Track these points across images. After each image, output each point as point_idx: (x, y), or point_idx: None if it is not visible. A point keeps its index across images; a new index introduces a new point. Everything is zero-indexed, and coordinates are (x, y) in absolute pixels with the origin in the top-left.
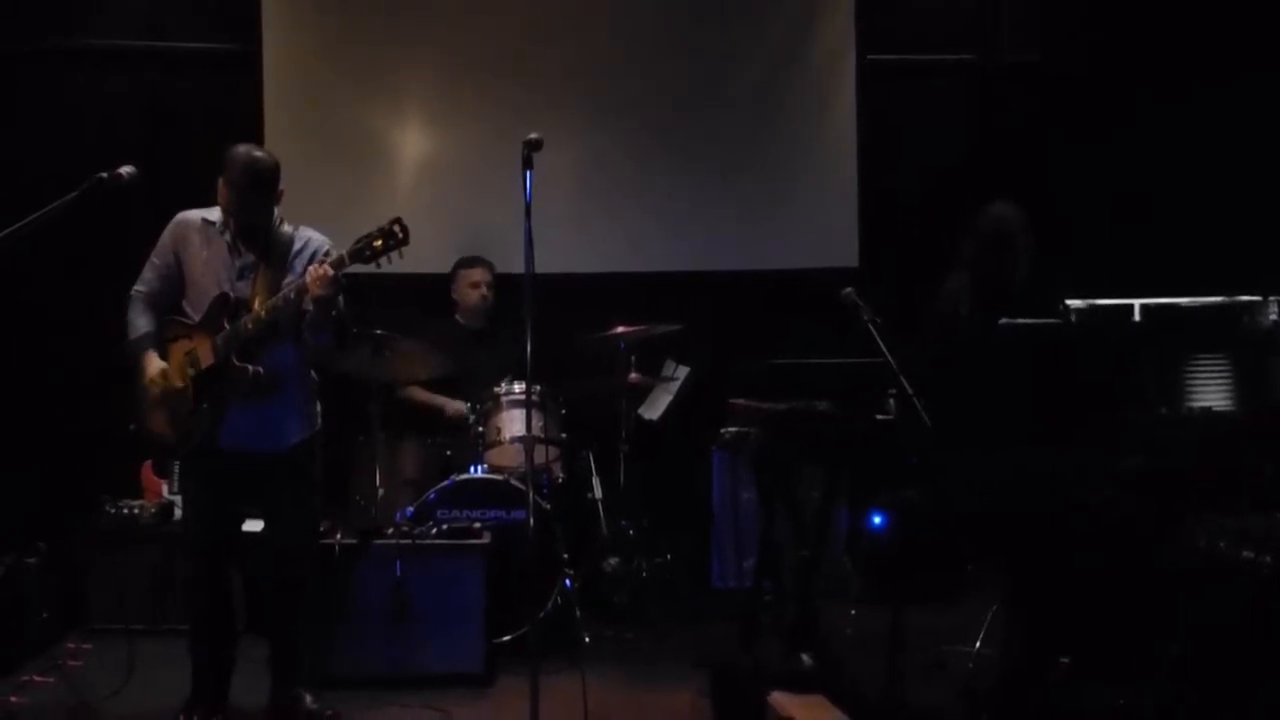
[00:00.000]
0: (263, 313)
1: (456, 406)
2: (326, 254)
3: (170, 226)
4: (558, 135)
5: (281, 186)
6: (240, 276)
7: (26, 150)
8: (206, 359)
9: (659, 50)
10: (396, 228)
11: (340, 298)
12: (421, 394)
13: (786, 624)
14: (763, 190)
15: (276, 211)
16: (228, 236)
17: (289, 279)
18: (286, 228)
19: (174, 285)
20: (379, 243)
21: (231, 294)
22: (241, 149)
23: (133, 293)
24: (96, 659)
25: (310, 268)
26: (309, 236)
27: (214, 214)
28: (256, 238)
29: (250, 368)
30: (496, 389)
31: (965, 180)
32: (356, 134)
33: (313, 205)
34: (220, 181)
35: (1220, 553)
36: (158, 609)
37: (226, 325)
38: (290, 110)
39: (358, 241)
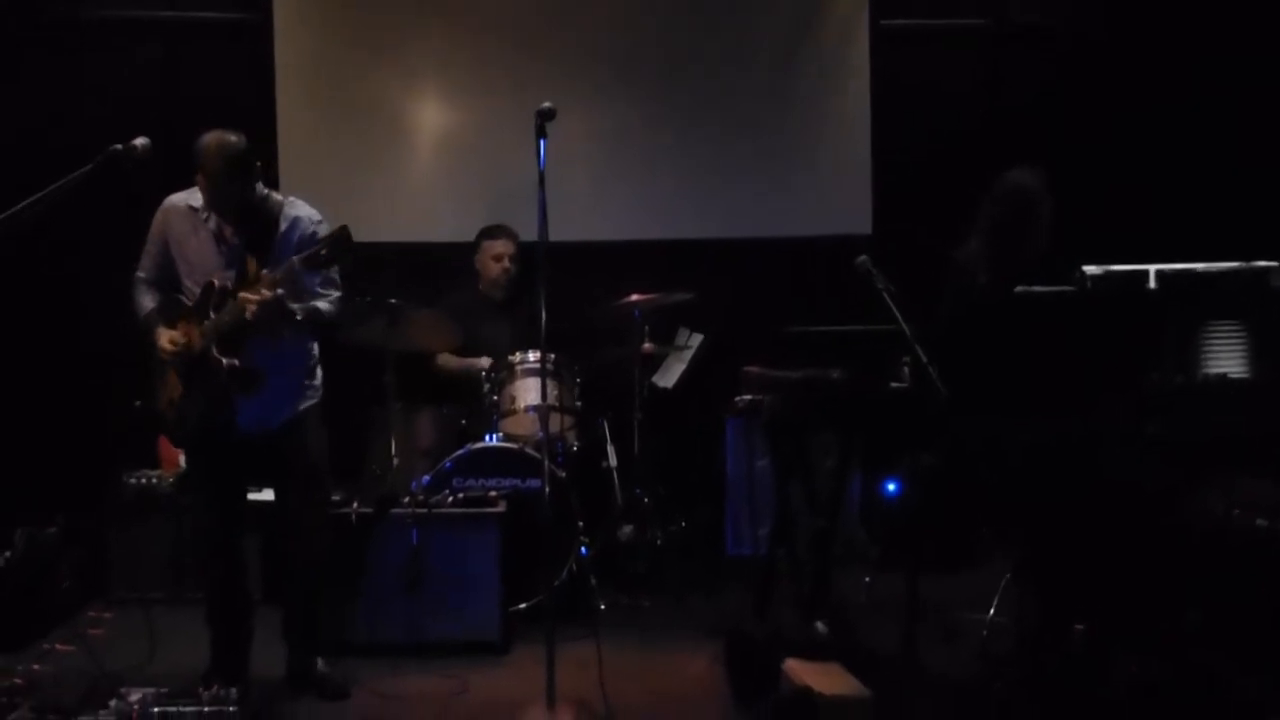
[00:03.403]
0: (238, 309)
1: (486, 361)
2: (313, 234)
3: (159, 213)
4: (571, 104)
5: (258, 161)
6: (229, 264)
7: (38, 121)
8: (196, 345)
9: (672, 18)
10: (343, 237)
11: (298, 306)
12: (454, 361)
13: (801, 592)
14: (776, 157)
15: (260, 187)
16: (212, 224)
17: (280, 259)
18: (276, 197)
19: (170, 269)
20: (324, 252)
21: (217, 283)
22: (210, 138)
23: (134, 277)
24: (117, 628)
25: (242, 294)
26: (296, 215)
27: (196, 198)
28: (242, 220)
29: (225, 361)
30: (511, 358)
31: (980, 146)
32: (370, 104)
33: (325, 175)
34: (198, 171)
35: (1236, 520)
36: (177, 578)
37: (212, 315)
38: (302, 80)
39: (308, 250)
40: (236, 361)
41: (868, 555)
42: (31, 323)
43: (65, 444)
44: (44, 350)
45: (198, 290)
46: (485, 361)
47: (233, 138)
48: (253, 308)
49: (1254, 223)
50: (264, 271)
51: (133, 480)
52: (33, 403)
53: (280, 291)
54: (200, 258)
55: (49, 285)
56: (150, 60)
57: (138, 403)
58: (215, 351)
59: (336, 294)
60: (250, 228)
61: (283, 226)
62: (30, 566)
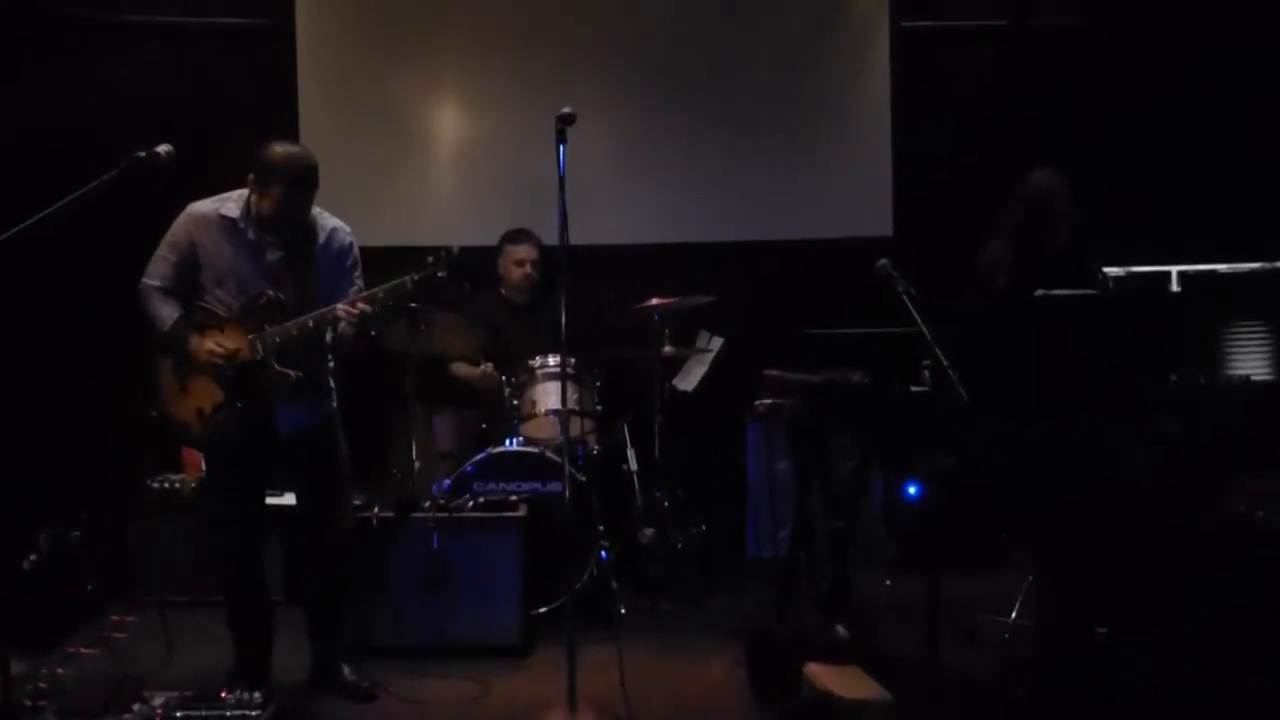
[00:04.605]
0: (310, 323)
1: (483, 368)
2: (349, 244)
3: (183, 220)
4: (591, 109)
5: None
6: (267, 275)
7: (59, 124)
8: (242, 355)
9: (693, 20)
10: (456, 257)
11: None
12: (463, 369)
13: (821, 594)
14: (796, 160)
15: None
16: (251, 233)
17: (323, 269)
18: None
19: (191, 278)
20: (441, 274)
21: (271, 294)
22: (280, 149)
23: (145, 286)
24: (140, 631)
25: (343, 307)
26: (331, 226)
27: (229, 207)
28: (282, 231)
29: (292, 373)
30: (531, 362)
31: (1002, 147)
32: (391, 108)
33: (347, 180)
34: (264, 184)
35: (1258, 520)
36: (200, 581)
37: (267, 327)
38: (324, 84)
39: (416, 273)
40: (300, 374)
41: (887, 556)
42: (56, 326)
43: (89, 447)
44: (68, 353)
45: (229, 299)
46: (488, 367)
47: (300, 150)
48: (355, 318)
49: (1277, 223)
50: (358, 289)
51: (155, 483)
52: (57, 405)
53: (369, 307)
54: (235, 267)
55: (75, 288)
56: (173, 65)
57: (154, 413)
58: (277, 364)
59: None
60: (289, 240)
61: (321, 238)
62: (54, 569)
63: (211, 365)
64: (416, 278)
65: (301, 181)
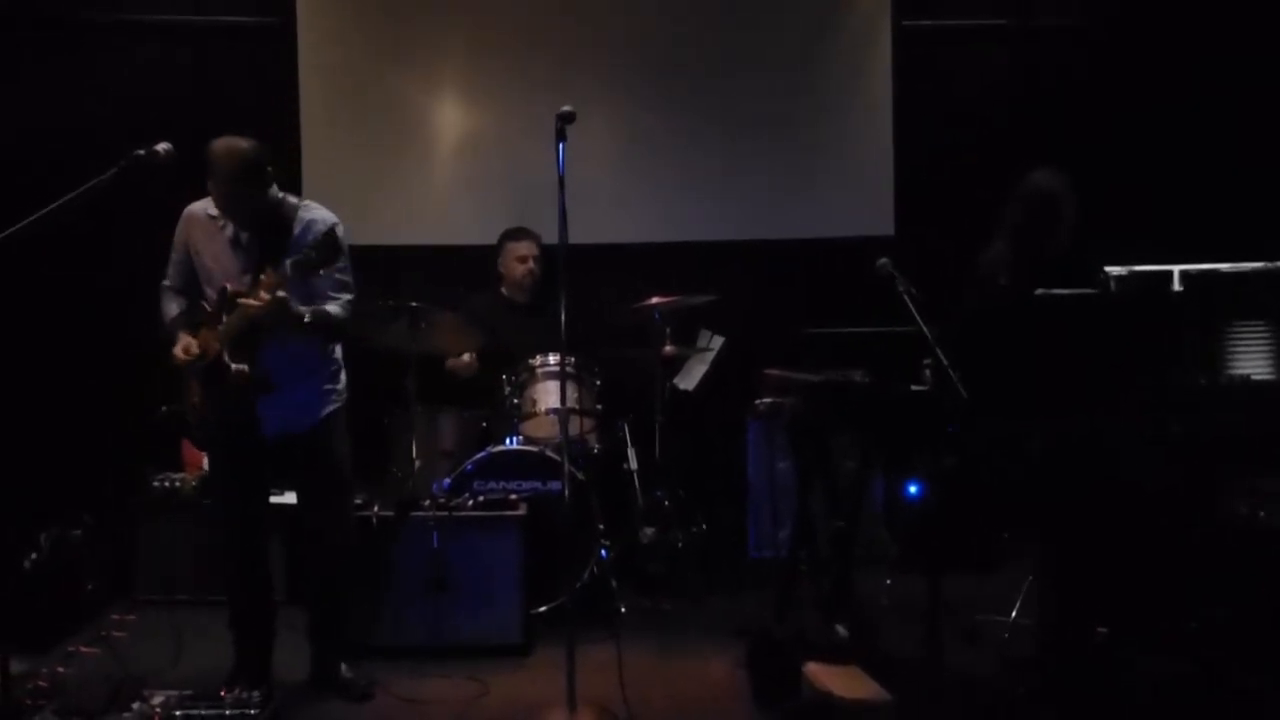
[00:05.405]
0: (244, 315)
1: (467, 358)
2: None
3: (180, 222)
4: (592, 107)
5: (269, 166)
6: (246, 269)
7: (59, 124)
8: (212, 351)
9: (694, 19)
10: (330, 239)
11: (307, 309)
12: (454, 360)
13: (822, 594)
14: (798, 159)
15: (275, 191)
16: (229, 230)
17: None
18: (292, 201)
19: (193, 277)
20: (313, 254)
21: (231, 288)
22: (219, 144)
23: (161, 286)
24: (141, 630)
25: (242, 299)
26: (310, 218)
27: (215, 206)
28: (256, 226)
29: (234, 367)
30: (531, 361)
31: (1004, 146)
32: (392, 106)
33: (348, 178)
34: (208, 176)
35: (1259, 520)
36: (201, 580)
37: (224, 319)
38: (325, 83)
39: (297, 254)
40: (245, 367)
41: (888, 555)
42: (56, 326)
43: (91, 446)
44: (68, 353)
45: (215, 294)
46: (470, 357)
47: (243, 143)
48: (255, 311)
49: (1279, 222)
50: (261, 276)
51: (157, 483)
52: (58, 405)
53: (282, 294)
54: (218, 264)
55: (77, 288)
56: (175, 65)
57: (163, 408)
58: (226, 357)
59: (348, 297)
60: (266, 232)
61: (296, 230)
62: (55, 568)
63: (182, 364)
64: (292, 261)
65: (233, 174)
